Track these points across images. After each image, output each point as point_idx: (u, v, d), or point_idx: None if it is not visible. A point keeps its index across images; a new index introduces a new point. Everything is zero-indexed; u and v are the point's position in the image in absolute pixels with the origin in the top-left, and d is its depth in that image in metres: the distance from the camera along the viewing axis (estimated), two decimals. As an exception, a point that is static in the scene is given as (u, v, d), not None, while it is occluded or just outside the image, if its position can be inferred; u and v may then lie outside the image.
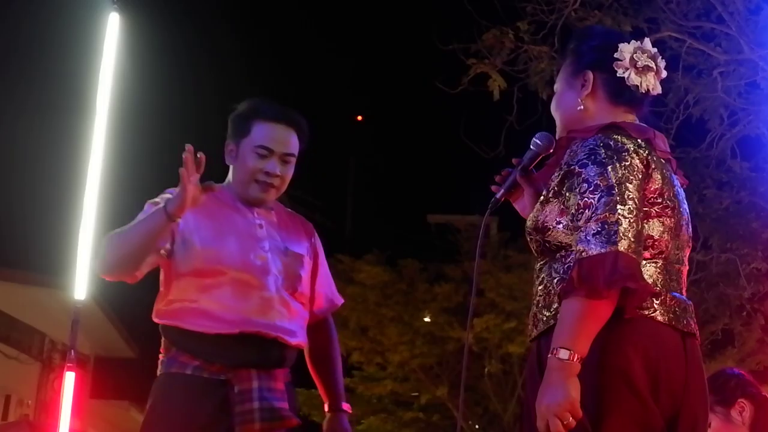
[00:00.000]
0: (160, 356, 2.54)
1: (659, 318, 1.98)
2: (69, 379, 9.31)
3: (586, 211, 1.93)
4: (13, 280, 12.83)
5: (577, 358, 1.87)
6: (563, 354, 1.87)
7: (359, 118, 22.58)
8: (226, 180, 2.71)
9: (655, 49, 2.20)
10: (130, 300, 17.17)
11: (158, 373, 2.52)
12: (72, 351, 9.29)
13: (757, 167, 7.70)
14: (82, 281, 9.88)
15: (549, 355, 1.90)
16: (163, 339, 2.54)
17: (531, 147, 2.21)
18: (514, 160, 2.27)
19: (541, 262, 2.12)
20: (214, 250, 2.47)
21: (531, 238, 2.13)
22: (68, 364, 9.37)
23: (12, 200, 13.83)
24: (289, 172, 2.65)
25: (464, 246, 15.41)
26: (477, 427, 15.87)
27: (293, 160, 2.65)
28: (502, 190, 2.26)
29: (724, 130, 7.56)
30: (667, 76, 7.32)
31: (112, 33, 10.31)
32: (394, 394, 15.71)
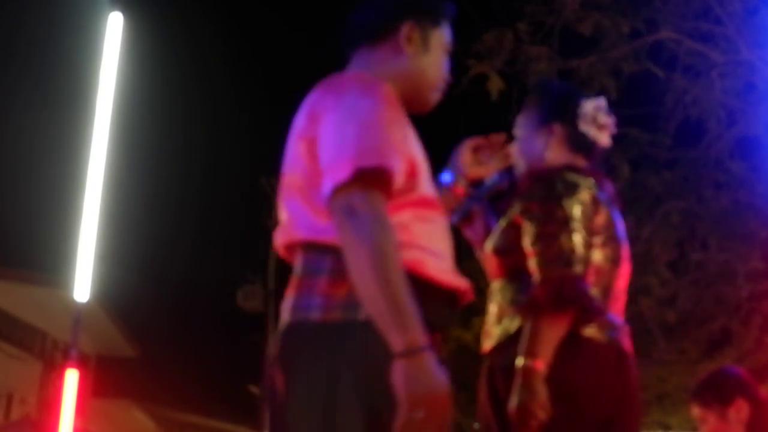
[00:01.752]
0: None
1: (597, 336, 2.20)
2: (71, 378, 9.37)
3: (545, 239, 2.18)
4: (15, 280, 12.86)
5: (542, 366, 2.11)
6: (529, 363, 2.11)
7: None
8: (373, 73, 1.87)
9: (606, 104, 2.44)
10: (132, 299, 17.24)
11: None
12: (74, 350, 9.35)
13: (755, 167, 7.72)
14: (84, 281, 9.93)
15: (517, 365, 2.13)
16: None
17: (489, 182, 2.45)
18: (471, 191, 2.46)
19: (496, 284, 2.39)
20: (424, 168, 1.77)
21: (490, 260, 2.39)
22: (70, 363, 9.43)
23: (15, 200, 13.86)
24: None
25: (463, 244, 15.44)
26: (475, 425, 15.92)
27: None
28: (458, 217, 2.48)
29: (722, 130, 7.59)
30: (665, 77, 7.31)
31: (113, 32, 10.35)
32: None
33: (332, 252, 1.62)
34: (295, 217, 1.72)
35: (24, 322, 13.67)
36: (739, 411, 2.97)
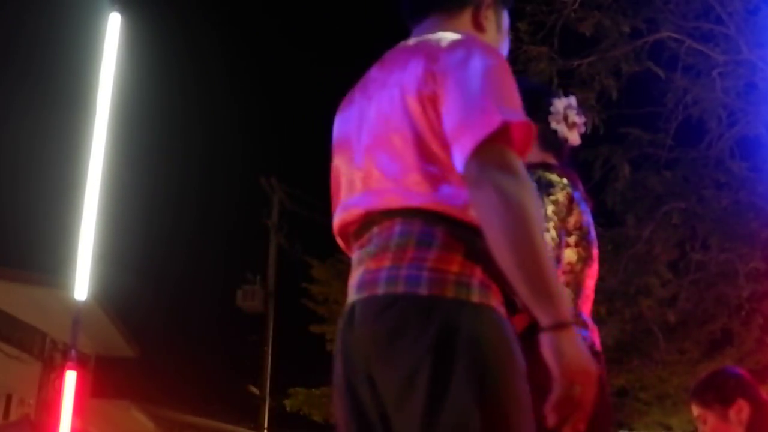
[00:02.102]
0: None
1: None
2: (70, 378, 9.35)
3: None
4: (14, 280, 12.85)
5: None
6: None
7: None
8: None
9: (576, 103, 2.45)
10: (131, 299, 17.24)
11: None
12: (73, 350, 9.33)
13: (756, 167, 7.71)
14: (83, 281, 9.92)
15: None
16: None
17: None
18: None
19: None
20: None
21: None
22: (69, 364, 9.42)
23: (15, 200, 13.85)
24: None
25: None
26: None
27: None
28: None
29: (723, 130, 7.58)
30: (666, 77, 7.27)
31: (112, 33, 10.35)
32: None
33: (444, 222, 1.52)
34: (397, 180, 1.56)
35: (23, 322, 13.66)
36: (740, 412, 2.95)
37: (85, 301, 9.76)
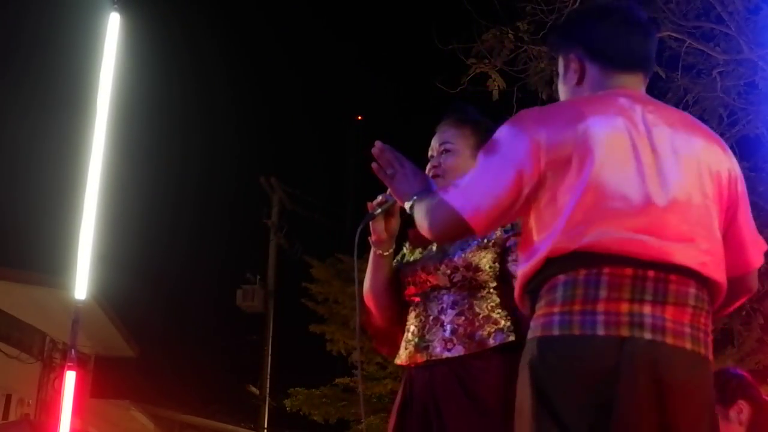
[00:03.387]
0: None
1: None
2: (69, 378, 9.33)
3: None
4: (13, 280, 12.84)
5: None
6: None
7: (359, 118, 22.57)
8: None
9: None
10: (131, 299, 17.22)
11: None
12: (72, 350, 9.31)
13: (757, 167, 7.71)
14: (82, 281, 9.90)
15: None
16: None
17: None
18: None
19: (457, 295, 2.48)
20: None
21: (456, 273, 2.47)
22: (69, 364, 9.40)
23: (13, 200, 13.85)
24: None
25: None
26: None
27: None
28: (379, 210, 2.68)
29: (724, 129, 7.56)
30: (666, 76, 7.28)
31: (112, 33, 10.33)
32: (395, 393, 15.71)
33: (713, 299, 1.83)
34: (713, 249, 1.81)
35: (23, 322, 13.64)
36: (741, 412, 2.96)
37: (85, 301, 9.74)
